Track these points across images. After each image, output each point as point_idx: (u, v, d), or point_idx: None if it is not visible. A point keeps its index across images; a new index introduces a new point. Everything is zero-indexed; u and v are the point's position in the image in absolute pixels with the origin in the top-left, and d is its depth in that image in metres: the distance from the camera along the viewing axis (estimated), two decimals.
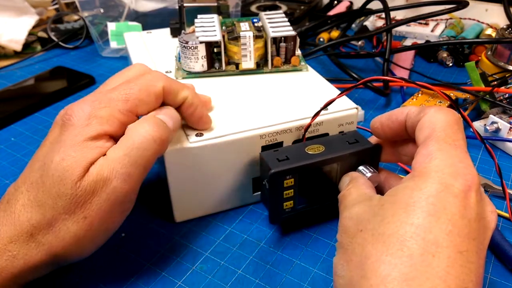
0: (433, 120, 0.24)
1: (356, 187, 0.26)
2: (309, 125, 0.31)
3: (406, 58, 0.58)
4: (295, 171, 0.28)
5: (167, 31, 0.48)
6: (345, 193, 0.26)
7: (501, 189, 0.35)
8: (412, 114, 0.25)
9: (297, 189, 0.29)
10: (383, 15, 0.54)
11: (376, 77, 0.30)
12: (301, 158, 0.28)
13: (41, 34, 0.66)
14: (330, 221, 0.33)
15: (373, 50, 0.61)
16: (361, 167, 0.29)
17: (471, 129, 0.29)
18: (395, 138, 0.28)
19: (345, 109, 0.33)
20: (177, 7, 0.46)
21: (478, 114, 0.45)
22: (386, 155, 0.30)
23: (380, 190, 0.29)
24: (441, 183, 0.21)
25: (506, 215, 0.33)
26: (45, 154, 0.25)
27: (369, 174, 0.28)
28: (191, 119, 0.30)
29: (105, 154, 0.24)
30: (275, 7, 0.70)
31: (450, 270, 0.19)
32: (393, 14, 0.65)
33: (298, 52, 0.39)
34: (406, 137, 0.27)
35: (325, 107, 0.31)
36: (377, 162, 0.30)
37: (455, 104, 0.28)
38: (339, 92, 0.35)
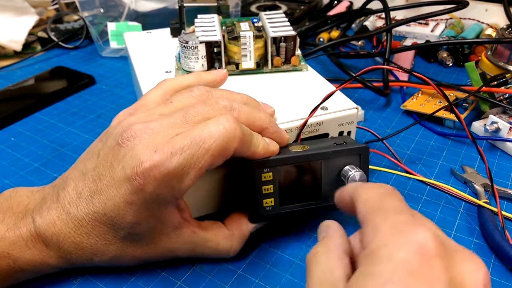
0: (365, 197, 0.22)
1: (326, 253, 0.22)
2: (305, 122, 0.31)
3: (406, 58, 0.58)
4: (272, 164, 0.28)
5: (167, 31, 0.48)
6: (311, 258, 0.22)
7: (502, 189, 0.35)
8: (346, 194, 0.24)
9: (278, 186, 0.29)
10: (383, 15, 0.54)
11: (374, 66, 0.30)
12: (280, 153, 0.28)
13: (41, 34, 0.66)
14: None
15: (373, 50, 0.61)
16: (346, 167, 0.29)
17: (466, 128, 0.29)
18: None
19: (345, 109, 0.33)
20: (177, 7, 0.46)
21: (478, 114, 0.45)
22: None
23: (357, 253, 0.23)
24: (395, 263, 0.18)
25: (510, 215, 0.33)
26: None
27: (353, 173, 0.27)
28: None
29: None
30: (275, 7, 0.70)
31: None
32: (393, 14, 0.65)
33: (298, 52, 0.39)
34: None
35: (322, 102, 0.31)
36: (366, 165, 0.29)
37: (449, 102, 0.28)
38: (338, 91, 0.35)
